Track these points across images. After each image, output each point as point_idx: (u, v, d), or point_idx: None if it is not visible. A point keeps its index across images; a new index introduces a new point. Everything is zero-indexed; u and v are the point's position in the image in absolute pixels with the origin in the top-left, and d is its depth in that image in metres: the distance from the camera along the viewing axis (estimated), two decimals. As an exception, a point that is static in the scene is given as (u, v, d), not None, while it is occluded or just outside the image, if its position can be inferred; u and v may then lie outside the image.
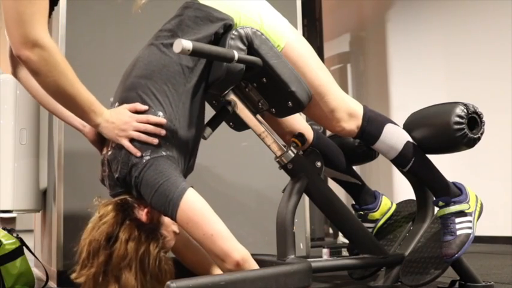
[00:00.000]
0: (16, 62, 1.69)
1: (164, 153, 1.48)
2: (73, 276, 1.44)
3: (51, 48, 1.40)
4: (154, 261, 1.42)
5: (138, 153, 1.47)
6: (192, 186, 1.46)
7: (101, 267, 1.40)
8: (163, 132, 1.49)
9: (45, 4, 1.40)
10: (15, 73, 1.73)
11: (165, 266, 1.45)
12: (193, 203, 1.43)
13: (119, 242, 1.40)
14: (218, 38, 1.63)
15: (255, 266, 1.46)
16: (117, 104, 1.57)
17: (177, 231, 1.57)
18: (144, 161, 1.46)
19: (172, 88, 1.54)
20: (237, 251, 1.43)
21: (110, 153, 1.54)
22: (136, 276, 1.39)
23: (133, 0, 1.64)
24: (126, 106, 1.52)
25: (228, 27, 1.63)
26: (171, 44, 1.54)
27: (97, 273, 1.40)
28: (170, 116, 1.52)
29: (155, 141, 1.48)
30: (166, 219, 1.53)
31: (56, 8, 2.28)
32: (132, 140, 1.48)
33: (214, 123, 1.69)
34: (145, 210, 1.49)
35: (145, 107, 1.51)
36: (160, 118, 1.50)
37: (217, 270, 1.61)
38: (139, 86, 1.55)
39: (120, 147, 1.50)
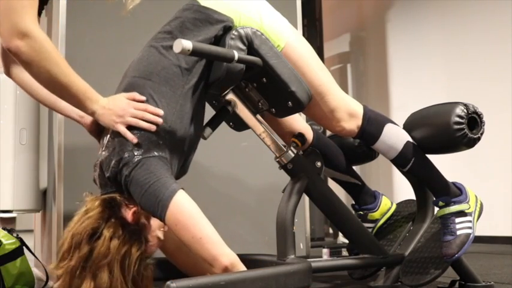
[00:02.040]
0: (8, 60, 1.69)
1: (157, 153, 1.47)
2: (51, 266, 1.43)
3: (41, 38, 1.39)
4: (134, 264, 1.40)
5: (135, 140, 1.45)
6: (182, 188, 1.44)
7: (80, 261, 1.38)
8: (160, 121, 1.48)
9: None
10: (8, 72, 1.73)
11: (144, 272, 1.43)
12: (183, 205, 1.42)
13: (102, 239, 1.39)
14: (218, 40, 1.63)
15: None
16: None
17: (162, 237, 1.55)
18: (136, 160, 1.44)
19: (170, 90, 1.54)
20: (226, 255, 1.41)
21: (102, 152, 1.53)
22: (113, 276, 1.37)
23: (123, 4, 1.64)
24: (124, 94, 1.52)
25: (228, 29, 1.63)
26: (170, 46, 1.54)
27: (75, 267, 1.38)
28: (166, 117, 1.51)
29: (153, 128, 1.47)
30: (153, 224, 1.52)
31: (56, 8, 2.28)
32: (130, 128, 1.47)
33: (214, 123, 1.69)
34: (132, 210, 1.47)
35: (144, 98, 1.51)
36: (158, 109, 1.50)
37: (209, 273, 1.60)
38: (137, 85, 1.55)
39: (113, 145, 1.49)
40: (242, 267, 1.43)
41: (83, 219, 1.42)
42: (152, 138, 1.48)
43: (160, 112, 1.49)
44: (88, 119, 1.66)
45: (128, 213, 1.47)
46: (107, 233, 1.40)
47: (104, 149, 1.54)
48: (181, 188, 1.44)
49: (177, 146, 1.54)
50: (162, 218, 1.42)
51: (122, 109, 1.48)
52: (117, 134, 1.51)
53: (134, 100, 1.50)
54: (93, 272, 1.38)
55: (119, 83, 1.65)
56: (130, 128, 1.48)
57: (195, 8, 1.64)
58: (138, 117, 1.47)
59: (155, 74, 1.54)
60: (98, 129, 1.64)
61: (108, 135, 1.54)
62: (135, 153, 1.45)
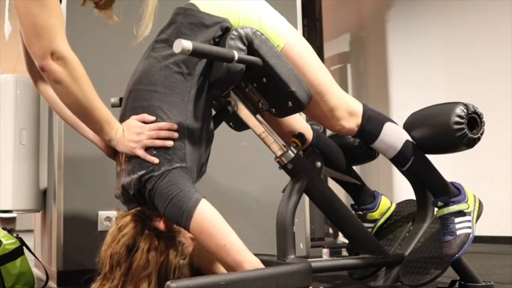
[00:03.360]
0: (35, 74, 1.71)
1: (177, 164, 1.49)
2: (94, 287, 1.45)
3: (74, 62, 1.43)
4: (174, 269, 1.43)
5: (156, 160, 1.48)
6: (204, 197, 1.47)
7: (122, 278, 1.41)
8: (175, 135, 1.51)
9: (61, 15, 1.43)
10: (35, 84, 1.75)
11: (184, 273, 1.46)
12: (206, 214, 1.45)
13: (139, 252, 1.41)
14: (217, 42, 1.63)
15: None
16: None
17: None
18: (158, 173, 1.47)
19: (177, 98, 1.55)
20: (249, 262, 1.45)
21: (122, 172, 1.55)
22: (154, 286, 1.40)
23: (135, 33, 1.66)
24: (134, 117, 1.54)
25: (226, 28, 1.63)
26: (169, 55, 1.56)
27: (118, 285, 1.41)
28: (179, 126, 1.53)
29: (169, 143, 1.50)
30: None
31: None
32: (148, 151, 1.49)
33: (214, 123, 1.69)
34: (162, 219, 1.50)
35: (153, 118, 1.53)
36: (170, 123, 1.52)
37: None
38: (144, 98, 1.56)
39: (131, 162, 1.51)
40: None
41: (118, 238, 1.45)
42: (170, 151, 1.50)
43: (174, 126, 1.52)
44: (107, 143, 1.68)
45: (160, 223, 1.50)
46: (143, 245, 1.42)
47: (122, 167, 1.56)
48: (203, 197, 1.47)
49: (194, 151, 1.56)
50: (186, 228, 1.45)
51: (137, 133, 1.51)
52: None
53: (144, 122, 1.53)
54: (134, 284, 1.40)
55: (124, 96, 1.65)
56: (148, 148, 1.50)
57: (187, 12, 1.63)
58: (153, 137, 1.50)
59: (159, 84, 1.55)
60: (115, 153, 1.65)
61: (124, 154, 1.56)
62: (156, 167, 1.48)
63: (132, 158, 1.52)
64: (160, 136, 1.50)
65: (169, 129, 1.51)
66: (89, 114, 1.48)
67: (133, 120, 1.54)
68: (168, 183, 1.45)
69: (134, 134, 1.51)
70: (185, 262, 1.48)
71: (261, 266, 1.46)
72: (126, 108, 1.60)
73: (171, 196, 1.44)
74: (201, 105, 1.59)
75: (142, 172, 1.48)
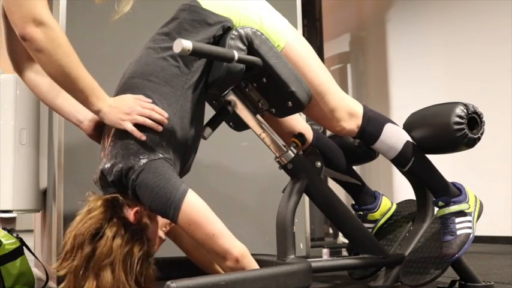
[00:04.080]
0: (17, 58, 1.69)
1: (161, 155, 1.48)
2: (54, 266, 1.44)
3: (56, 27, 1.40)
4: (137, 263, 1.41)
5: (143, 137, 1.46)
6: (190, 188, 1.46)
7: (83, 261, 1.39)
8: (166, 122, 1.49)
9: None
10: (17, 70, 1.72)
11: (146, 271, 1.44)
12: (195, 205, 1.44)
13: (104, 239, 1.40)
14: (217, 41, 1.63)
15: (253, 261, 1.48)
16: None
17: (163, 237, 1.57)
18: (142, 163, 1.45)
19: (170, 90, 1.54)
20: (236, 247, 1.46)
21: (104, 157, 1.54)
22: (116, 276, 1.38)
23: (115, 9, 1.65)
24: (130, 95, 1.52)
25: (227, 28, 1.63)
26: (168, 48, 1.55)
27: (78, 267, 1.39)
28: (168, 118, 1.51)
29: (160, 128, 1.48)
30: (154, 224, 1.53)
31: (55, 8, 2.28)
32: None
33: (214, 123, 1.69)
34: (134, 210, 1.48)
35: (150, 100, 1.51)
36: (163, 111, 1.50)
37: (222, 266, 1.61)
38: (136, 87, 1.55)
39: (115, 149, 1.50)
40: (251, 258, 1.48)
41: (85, 220, 1.43)
42: (156, 140, 1.49)
43: (165, 113, 1.50)
44: (88, 123, 1.66)
45: (130, 213, 1.48)
46: (109, 232, 1.41)
47: (106, 152, 1.54)
48: (189, 187, 1.46)
49: (179, 146, 1.54)
50: (174, 219, 1.44)
51: (129, 107, 1.48)
52: (119, 137, 1.51)
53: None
54: (96, 272, 1.38)
55: (118, 84, 1.64)
56: (136, 126, 1.48)
57: (192, 9, 1.63)
58: (146, 116, 1.47)
59: (154, 75, 1.55)
60: (97, 134, 1.64)
61: (110, 139, 1.54)
62: (140, 157, 1.46)
63: (117, 142, 1.50)
64: (153, 117, 1.47)
65: (161, 114, 1.49)
66: (74, 83, 1.44)
67: (127, 95, 1.51)
68: (154, 173, 1.43)
69: (126, 106, 1.48)
70: (150, 261, 1.47)
71: (247, 251, 1.47)
72: (118, 94, 1.59)
73: (158, 187, 1.42)
74: (193, 101, 1.58)
75: (125, 160, 1.45)
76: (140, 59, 1.61)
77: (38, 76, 1.68)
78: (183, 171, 1.62)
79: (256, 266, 1.49)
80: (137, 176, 1.44)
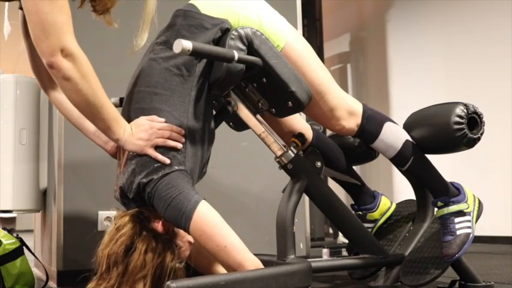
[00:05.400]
0: (42, 77, 1.72)
1: (176, 167, 1.49)
2: (90, 287, 1.45)
3: (83, 59, 1.42)
4: (170, 272, 1.43)
5: (167, 161, 1.48)
6: (204, 199, 1.47)
7: (118, 278, 1.41)
8: (183, 139, 1.51)
9: (69, 13, 1.42)
10: (44, 88, 1.76)
11: (177, 278, 1.45)
12: (206, 216, 1.45)
13: (137, 253, 1.41)
14: (216, 43, 1.63)
15: None
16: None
17: (192, 241, 1.57)
18: (157, 177, 1.46)
19: (178, 100, 1.54)
20: (250, 261, 1.45)
21: (121, 174, 1.55)
22: (148, 286, 1.40)
23: (135, 40, 1.67)
24: (143, 117, 1.53)
25: (225, 30, 1.63)
26: (169, 57, 1.56)
27: (114, 284, 1.41)
28: (181, 128, 1.53)
29: (180, 145, 1.50)
30: (182, 230, 1.54)
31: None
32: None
33: (214, 124, 1.69)
34: (161, 221, 1.50)
35: (163, 119, 1.52)
36: (180, 128, 1.52)
37: None
38: (145, 101, 1.56)
39: (131, 165, 1.51)
40: None
41: (116, 237, 1.44)
42: (170, 154, 1.50)
43: (182, 131, 1.52)
44: (112, 144, 1.69)
45: (158, 225, 1.50)
46: (141, 246, 1.42)
47: (123, 170, 1.55)
48: (203, 198, 1.47)
49: (196, 152, 1.56)
50: (186, 230, 1.45)
51: (147, 132, 1.50)
52: (135, 154, 1.52)
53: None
54: (130, 286, 1.40)
55: (125, 99, 1.65)
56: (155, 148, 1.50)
57: (187, 14, 1.63)
58: (165, 137, 1.49)
59: (160, 87, 1.55)
60: (118, 152, 1.65)
61: (126, 155, 1.56)
62: (156, 171, 1.47)
63: (133, 159, 1.51)
64: (172, 137, 1.50)
65: (178, 132, 1.51)
66: (98, 112, 1.46)
67: (142, 119, 1.53)
68: (167, 185, 1.45)
69: (143, 132, 1.49)
70: (181, 266, 1.48)
71: (261, 265, 1.47)
72: (126, 110, 1.60)
73: (171, 198, 1.44)
74: (202, 106, 1.59)
75: (141, 176, 1.47)
76: (143, 72, 1.61)
77: (63, 96, 1.70)
78: (201, 174, 1.64)
79: None
80: (152, 189, 1.46)
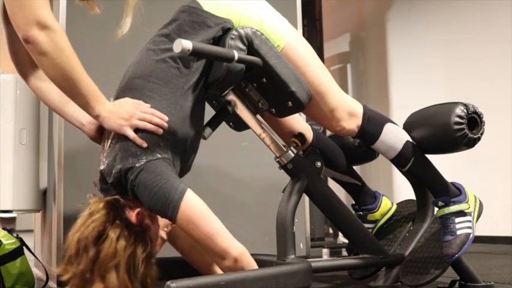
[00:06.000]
0: (21, 62, 1.69)
1: (160, 155, 1.48)
2: (59, 271, 1.43)
3: (60, 31, 1.40)
4: (141, 264, 1.41)
5: (144, 144, 1.46)
6: (188, 187, 1.46)
7: (88, 264, 1.38)
8: (165, 125, 1.49)
9: None
10: (21, 74, 1.73)
11: (149, 271, 1.44)
12: (193, 204, 1.44)
13: (108, 241, 1.39)
14: (217, 41, 1.63)
15: (253, 261, 1.48)
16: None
17: (165, 237, 1.57)
18: (140, 164, 1.45)
19: (170, 91, 1.54)
20: (235, 247, 1.46)
21: (103, 159, 1.54)
22: (122, 277, 1.38)
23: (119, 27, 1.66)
24: (129, 99, 1.52)
25: (227, 29, 1.63)
26: (168, 49, 1.56)
27: (84, 270, 1.38)
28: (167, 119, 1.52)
29: (160, 131, 1.48)
30: (156, 225, 1.53)
31: (56, 8, 2.28)
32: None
33: (214, 123, 1.69)
34: (136, 211, 1.48)
35: (148, 104, 1.51)
36: (163, 114, 1.50)
37: (220, 267, 1.61)
38: (137, 88, 1.55)
39: (114, 150, 1.50)
40: (250, 257, 1.48)
41: (88, 223, 1.43)
42: (154, 141, 1.49)
43: (165, 117, 1.50)
44: (90, 126, 1.66)
45: (132, 215, 1.48)
46: (113, 234, 1.40)
47: (105, 155, 1.54)
48: (188, 187, 1.46)
49: (179, 146, 1.55)
50: (173, 219, 1.44)
51: (129, 112, 1.48)
52: (118, 139, 1.51)
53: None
54: (101, 274, 1.38)
55: (118, 86, 1.64)
56: (136, 131, 1.48)
57: (192, 11, 1.63)
58: (146, 120, 1.48)
59: (154, 76, 1.55)
60: (99, 136, 1.64)
61: (110, 141, 1.54)
62: (139, 158, 1.46)
63: (116, 143, 1.50)
64: (153, 121, 1.48)
65: (161, 118, 1.49)
66: (76, 87, 1.44)
67: (127, 99, 1.51)
68: (152, 174, 1.44)
69: (126, 111, 1.48)
70: (152, 262, 1.46)
71: (246, 251, 1.47)
72: (118, 97, 1.59)
73: (157, 187, 1.42)
74: (193, 102, 1.58)
75: (123, 161, 1.45)
76: (140, 61, 1.61)
77: (43, 82, 1.68)
78: (183, 170, 1.62)
79: (256, 266, 1.49)
80: (136, 177, 1.45)
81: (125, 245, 1.40)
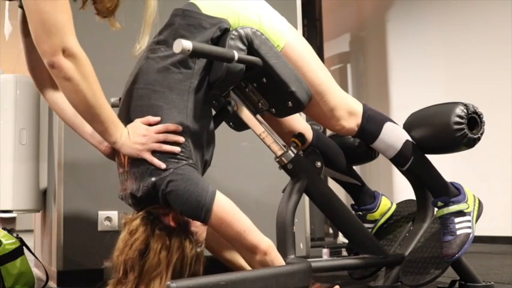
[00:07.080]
0: (39, 77, 1.70)
1: (184, 161, 1.50)
2: None
3: (84, 59, 1.42)
4: (191, 261, 1.44)
5: (163, 166, 1.47)
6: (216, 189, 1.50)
7: (135, 281, 1.41)
8: (182, 139, 1.51)
9: (70, 12, 1.42)
10: (39, 88, 1.74)
11: (200, 263, 1.47)
12: (224, 205, 1.49)
13: (152, 253, 1.41)
14: (215, 42, 1.63)
15: (279, 254, 1.54)
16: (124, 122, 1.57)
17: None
18: (167, 173, 1.47)
19: (177, 97, 1.54)
20: (264, 241, 1.51)
21: (125, 173, 1.55)
22: (163, 283, 1.40)
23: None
24: (138, 120, 1.53)
25: (224, 29, 1.63)
26: (168, 56, 1.56)
27: (132, 285, 1.41)
28: (181, 125, 1.52)
29: (177, 149, 1.49)
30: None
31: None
32: (153, 153, 1.49)
33: (214, 123, 1.69)
34: (170, 215, 1.50)
35: (158, 119, 1.51)
36: (176, 125, 1.51)
37: (250, 262, 1.63)
38: (143, 99, 1.55)
39: (136, 165, 1.51)
40: (277, 251, 1.55)
41: (130, 243, 1.44)
42: (178, 148, 1.50)
43: (179, 128, 1.51)
44: (106, 146, 1.67)
45: (168, 219, 1.49)
46: (156, 246, 1.42)
47: (126, 169, 1.54)
48: (216, 189, 1.49)
49: (197, 148, 1.56)
50: (205, 221, 1.47)
51: (143, 136, 1.49)
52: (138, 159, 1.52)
53: (149, 123, 1.51)
54: (146, 284, 1.41)
55: (122, 100, 1.64)
56: (154, 151, 1.49)
57: (185, 14, 1.63)
58: (161, 141, 1.49)
59: (158, 84, 1.55)
60: (113, 153, 1.65)
61: (126, 156, 1.55)
62: (165, 169, 1.48)
63: (137, 160, 1.51)
64: (168, 139, 1.49)
65: (175, 131, 1.50)
66: (96, 114, 1.45)
67: (138, 122, 1.52)
68: (182, 180, 1.46)
69: (140, 136, 1.49)
70: (202, 249, 1.50)
71: (273, 244, 1.53)
72: (125, 108, 1.59)
73: (188, 192, 1.45)
74: (201, 103, 1.58)
75: (154, 179, 1.47)
76: (141, 70, 1.61)
77: (60, 98, 1.69)
78: (206, 167, 1.65)
79: (282, 259, 1.54)
80: (166, 186, 1.46)
81: (167, 253, 1.42)
